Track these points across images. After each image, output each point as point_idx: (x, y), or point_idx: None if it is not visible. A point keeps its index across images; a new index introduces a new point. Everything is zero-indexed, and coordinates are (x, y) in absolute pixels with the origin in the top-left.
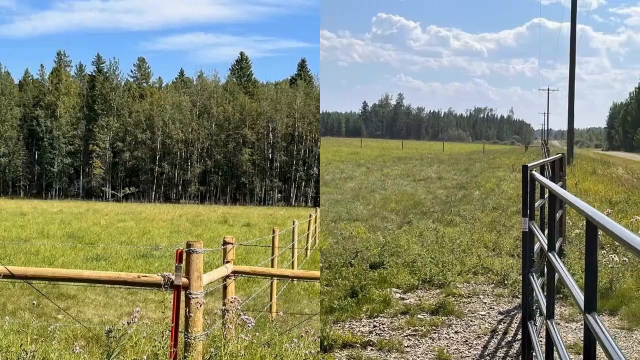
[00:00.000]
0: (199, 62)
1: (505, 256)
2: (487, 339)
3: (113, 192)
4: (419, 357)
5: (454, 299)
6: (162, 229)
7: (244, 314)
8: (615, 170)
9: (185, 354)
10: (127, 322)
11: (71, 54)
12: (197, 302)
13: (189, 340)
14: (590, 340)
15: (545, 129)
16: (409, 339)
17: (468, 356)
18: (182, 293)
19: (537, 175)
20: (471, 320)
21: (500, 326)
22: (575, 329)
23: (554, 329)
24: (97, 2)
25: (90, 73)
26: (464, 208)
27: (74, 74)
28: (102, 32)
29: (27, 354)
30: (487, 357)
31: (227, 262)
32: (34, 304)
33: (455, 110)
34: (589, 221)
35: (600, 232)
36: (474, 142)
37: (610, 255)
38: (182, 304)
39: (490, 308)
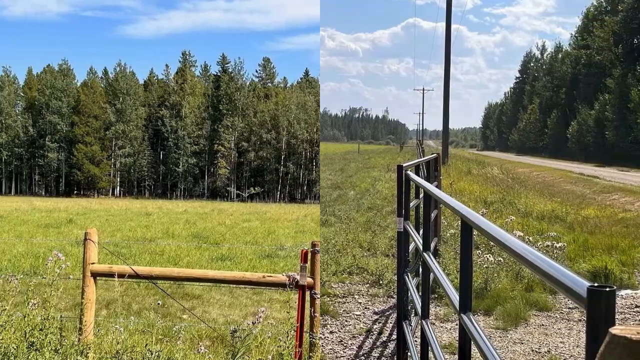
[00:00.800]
0: None
1: (380, 256)
2: (362, 339)
3: (238, 192)
4: None
5: (329, 299)
6: (287, 229)
7: None
8: (490, 170)
9: (310, 354)
10: (252, 322)
11: (196, 54)
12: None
13: (314, 340)
14: (465, 340)
15: (421, 129)
16: None
17: (343, 356)
18: (307, 293)
19: (412, 175)
20: (346, 320)
21: (375, 326)
22: (450, 329)
23: (429, 329)
24: (221, 2)
25: (215, 73)
26: (339, 208)
27: (198, 74)
28: (227, 32)
29: (152, 354)
30: (362, 357)
31: None
32: (159, 304)
33: (330, 110)
34: (463, 221)
35: (475, 232)
36: (349, 142)
37: (485, 255)
38: (307, 304)
39: (365, 308)
